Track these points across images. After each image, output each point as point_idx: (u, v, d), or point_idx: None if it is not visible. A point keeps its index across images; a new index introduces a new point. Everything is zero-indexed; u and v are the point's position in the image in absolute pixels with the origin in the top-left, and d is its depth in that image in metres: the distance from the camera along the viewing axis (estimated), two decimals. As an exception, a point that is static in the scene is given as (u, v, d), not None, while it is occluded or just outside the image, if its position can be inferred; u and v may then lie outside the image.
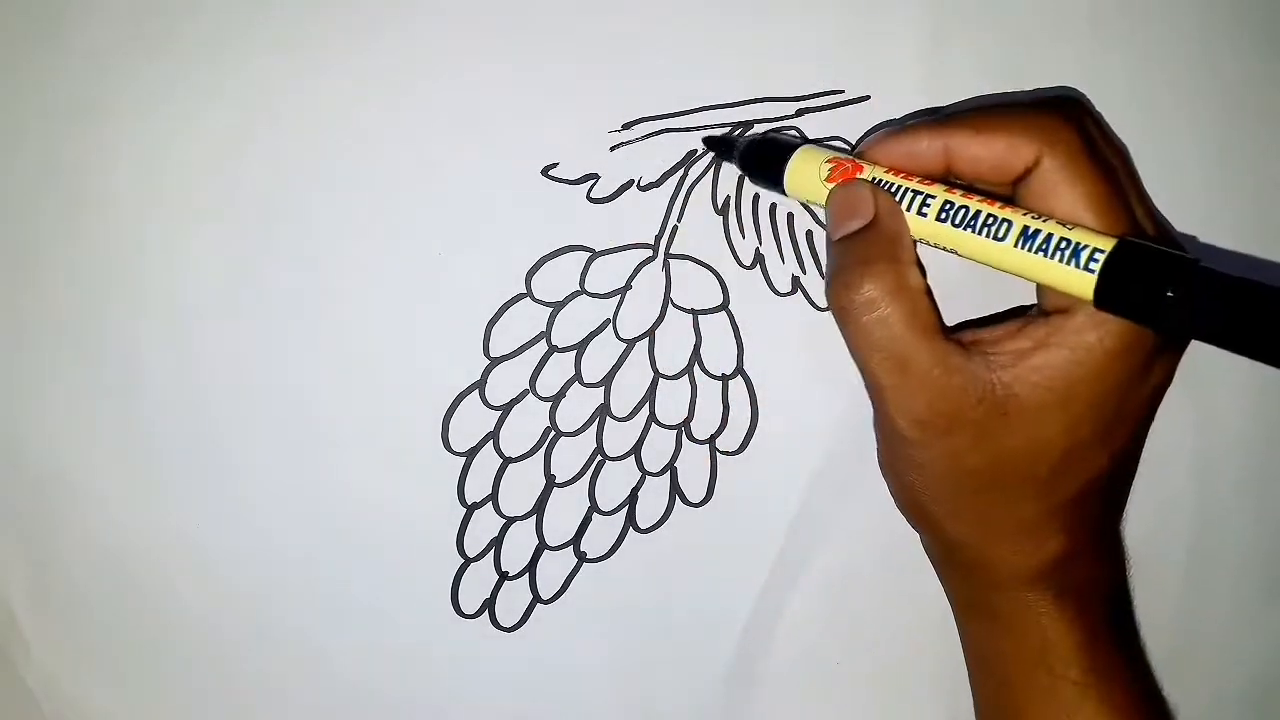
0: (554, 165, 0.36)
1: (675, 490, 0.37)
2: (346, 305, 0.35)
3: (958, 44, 0.37)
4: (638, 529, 0.37)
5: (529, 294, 0.36)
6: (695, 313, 0.37)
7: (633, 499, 0.37)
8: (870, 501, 0.35)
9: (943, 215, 0.29)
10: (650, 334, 0.37)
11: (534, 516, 0.37)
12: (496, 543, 0.37)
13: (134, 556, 0.36)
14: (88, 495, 0.35)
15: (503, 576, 0.37)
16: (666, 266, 0.36)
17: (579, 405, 0.37)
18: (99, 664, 0.36)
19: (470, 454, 0.36)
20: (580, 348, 0.36)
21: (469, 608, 0.37)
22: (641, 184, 0.36)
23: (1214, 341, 0.26)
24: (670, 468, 0.37)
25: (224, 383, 0.35)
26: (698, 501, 0.37)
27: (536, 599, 0.37)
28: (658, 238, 0.36)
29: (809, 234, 0.37)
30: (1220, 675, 0.41)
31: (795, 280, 0.37)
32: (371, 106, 0.35)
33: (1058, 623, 0.32)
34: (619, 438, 0.37)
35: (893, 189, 0.30)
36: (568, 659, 0.38)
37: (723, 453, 0.37)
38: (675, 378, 0.37)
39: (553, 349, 0.36)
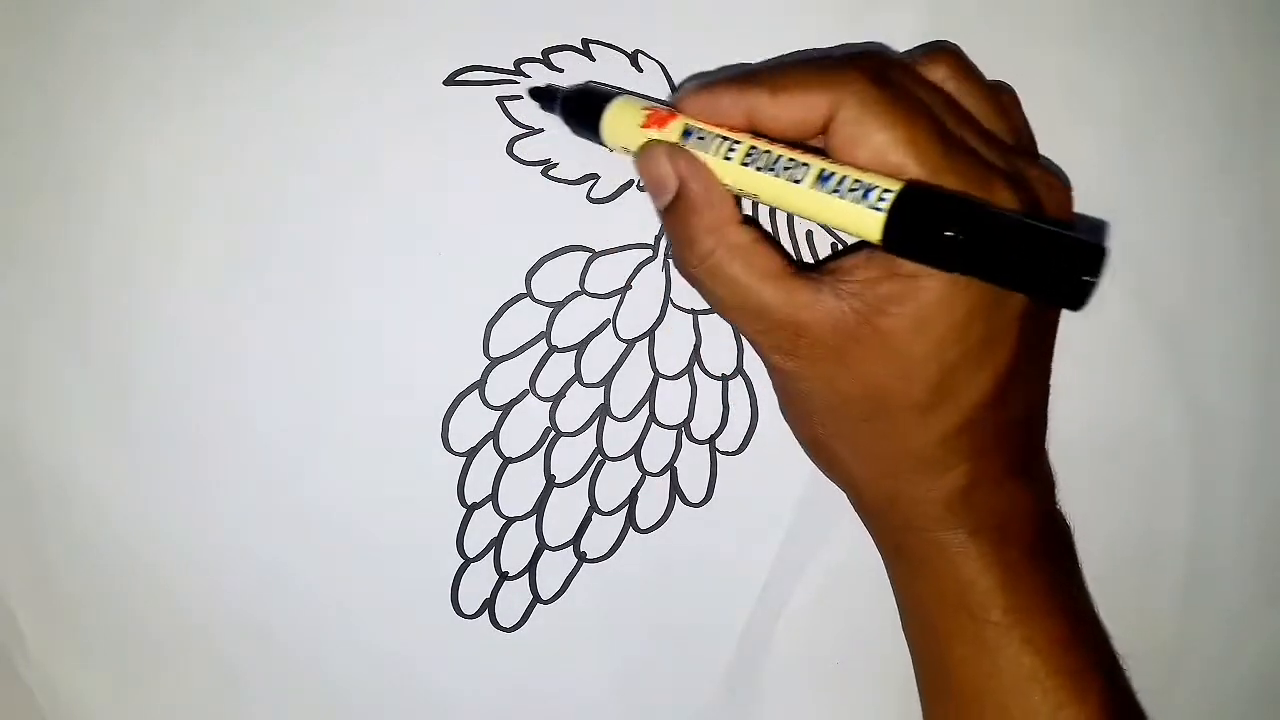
0: (554, 165, 0.36)
1: (675, 490, 0.37)
2: (346, 305, 0.35)
3: (957, 43, 0.37)
4: (638, 529, 0.37)
5: (529, 294, 0.36)
6: (695, 313, 0.37)
7: (633, 499, 0.37)
8: (870, 501, 0.35)
9: (747, 160, 0.30)
10: (650, 334, 0.37)
11: (534, 516, 0.37)
12: (496, 543, 0.37)
13: (133, 557, 0.36)
14: (88, 495, 0.35)
15: (503, 576, 0.37)
16: (666, 266, 0.36)
17: (579, 405, 0.37)
18: (99, 664, 0.36)
19: (470, 454, 0.36)
20: (580, 348, 0.36)
21: (469, 608, 0.37)
22: (641, 184, 0.36)
23: (995, 281, 0.27)
24: (670, 468, 0.37)
25: (224, 382, 0.35)
26: (698, 501, 0.38)
27: (536, 599, 0.37)
28: (658, 238, 0.36)
29: (809, 234, 0.37)
30: (1220, 675, 0.41)
31: (795, 280, 0.37)
32: (372, 105, 0.35)
33: (974, 561, 0.32)
34: (619, 438, 0.37)
35: (702, 136, 0.31)
36: (568, 659, 0.38)
37: (723, 453, 0.37)
38: (675, 378, 0.37)
39: (553, 349, 0.36)
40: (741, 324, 0.32)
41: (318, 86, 0.35)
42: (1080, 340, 0.38)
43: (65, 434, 0.35)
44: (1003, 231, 0.26)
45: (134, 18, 0.34)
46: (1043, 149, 0.36)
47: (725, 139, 0.30)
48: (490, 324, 0.36)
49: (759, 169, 0.29)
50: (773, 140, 0.30)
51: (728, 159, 0.30)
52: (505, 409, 0.36)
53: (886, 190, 0.27)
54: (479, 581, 0.37)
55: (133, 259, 0.35)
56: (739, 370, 0.37)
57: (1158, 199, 0.39)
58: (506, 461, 0.36)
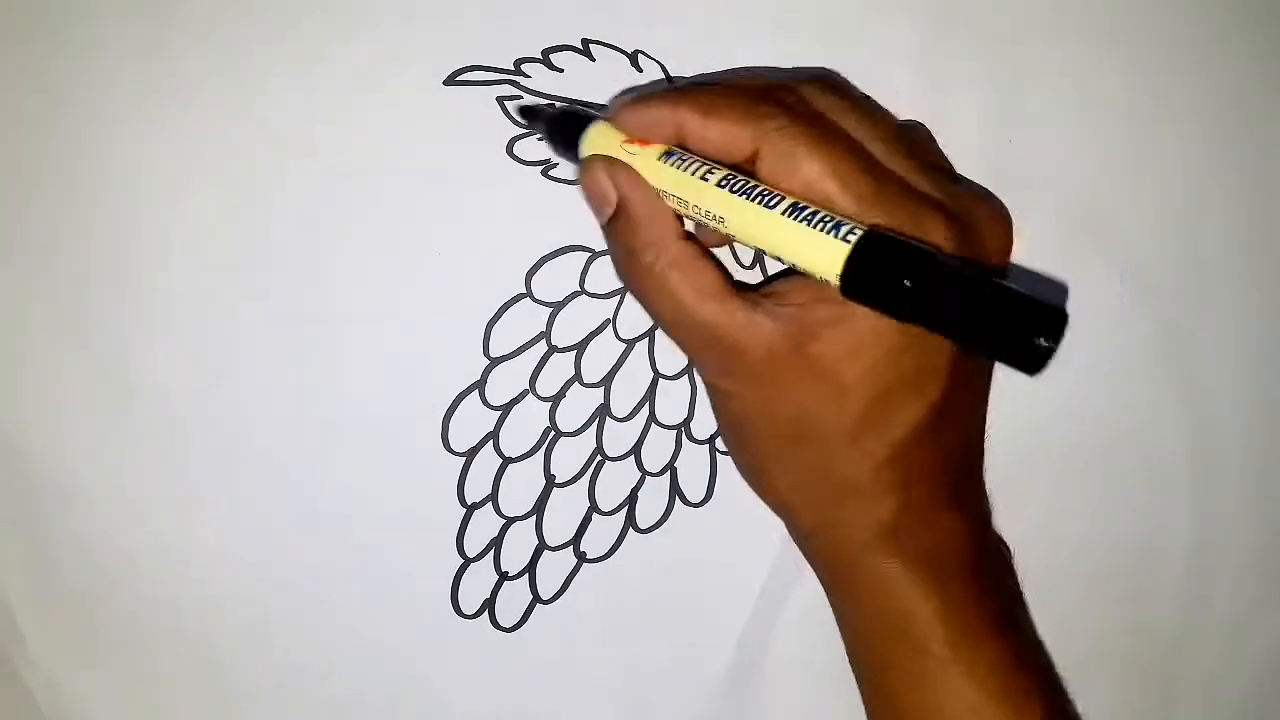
0: (554, 165, 0.36)
1: (675, 490, 0.37)
2: (346, 305, 0.35)
3: (958, 42, 0.37)
4: (638, 529, 0.37)
5: (529, 294, 0.36)
6: (695, 313, 0.37)
7: (633, 499, 0.37)
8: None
9: (724, 183, 0.29)
10: (650, 334, 0.37)
11: (534, 516, 0.37)
12: (496, 543, 0.37)
13: (133, 556, 0.35)
14: (87, 495, 0.35)
15: (503, 576, 0.37)
16: (666, 266, 0.36)
17: (579, 405, 0.37)
18: (99, 664, 0.36)
19: (470, 454, 0.36)
20: (580, 348, 0.36)
21: (469, 608, 0.37)
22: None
23: (948, 336, 0.27)
24: (670, 468, 0.37)
25: (223, 382, 0.35)
26: (698, 501, 0.38)
27: (536, 599, 0.37)
28: (658, 238, 0.36)
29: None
30: (1220, 675, 0.41)
31: (795, 280, 0.37)
32: (372, 105, 0.35)
33: (912, 590, 0.31)
34: (619, 438, 0.37)
35: (682, 159, 0.30)
36: (568, 659, 0.38)
37: (723, 453, 0.37)
38: (675, 378, 0.37)
39: (553, 349, 0.36)
40: (680, 339, 0.32)
41: (318, 86, 0.35)
42: (1080, 341, 0.38)
43: (65, 434, 0.35)
44: (959, 287, 0.26)
45: (133, 16, 0.34)
46: (1043, 151, 0.36)
47: (704, 163, 0.30)
48: (490, 324, 0.36)
49: (734, 191, 0.29)
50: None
51: (705, 179, 0.30)
52: (505, 409, 0.36)
53: (859, 228, 0.27)
54: (479, 581, 0.37)
55: (133, 258, 0.35)
56: (739, 370, 0.37)
57: (1158, 199, 0.39)
58: (506, 461, 0.36)
